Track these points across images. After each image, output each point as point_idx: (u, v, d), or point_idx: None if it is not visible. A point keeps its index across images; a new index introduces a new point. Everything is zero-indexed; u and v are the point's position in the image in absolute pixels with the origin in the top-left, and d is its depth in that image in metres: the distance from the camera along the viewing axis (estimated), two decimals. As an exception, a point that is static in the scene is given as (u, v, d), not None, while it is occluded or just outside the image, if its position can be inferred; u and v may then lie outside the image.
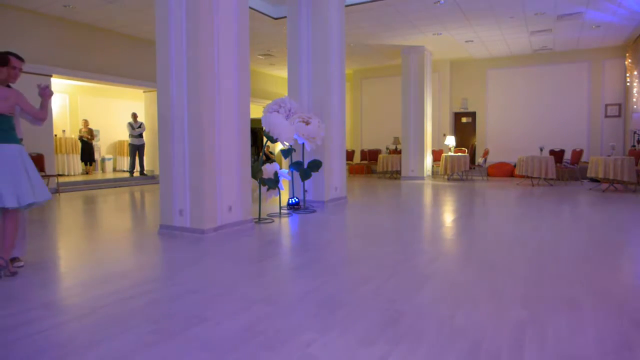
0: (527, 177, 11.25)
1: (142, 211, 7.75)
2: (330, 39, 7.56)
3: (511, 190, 9.92)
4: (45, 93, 3.58)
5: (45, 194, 3.51)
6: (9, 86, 3.60)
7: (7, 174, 3.34)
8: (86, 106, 14.19)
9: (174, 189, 5.10)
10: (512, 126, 14.32)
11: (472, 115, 15.15)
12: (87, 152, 13.39)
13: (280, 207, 6.74)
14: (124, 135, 14.23)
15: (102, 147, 15.13)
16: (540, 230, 5.29)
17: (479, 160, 13.48)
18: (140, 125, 12.70)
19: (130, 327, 2.49)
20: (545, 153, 11.57)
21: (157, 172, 12.38)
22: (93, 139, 13.61)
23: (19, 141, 3.50)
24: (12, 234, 3.45)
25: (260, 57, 13.73)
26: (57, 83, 11.64)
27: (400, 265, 3.77)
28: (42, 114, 3.62)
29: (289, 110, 6.64)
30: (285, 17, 9.22)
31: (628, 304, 2.82)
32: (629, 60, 12.30)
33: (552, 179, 11.41)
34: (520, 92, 14.19)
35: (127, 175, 13.11)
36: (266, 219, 6.21)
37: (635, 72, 11.43)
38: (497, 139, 14.56)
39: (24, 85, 9.01)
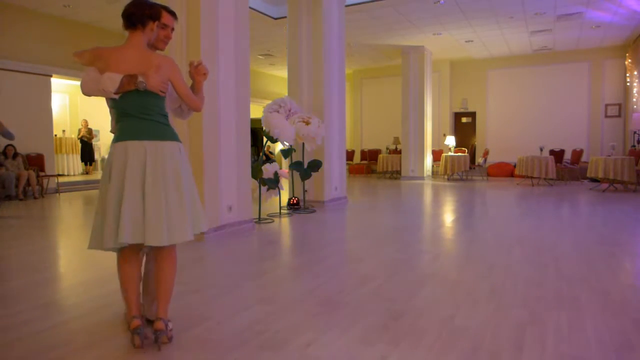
0: (527, 177, 11.24)
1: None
2: (330, 39, 7.56)
3: (511, 190, 9.91)
4: (199, 71, 2.48)
5: (201, 224, 2.36)
6: None
7: (160, 188, 2.17)
8: (86, 106, 14.16)
9: (174, 189, 5.08)
10: (512, 126, 14.31)
11: (472, 115, 15.15)
12: (87, 152, 13.40)
13: (280, 207, 6.73)
14: (123, 135, 14.19)
15: (102, 147, 15.11)
16: (540, 230, 5.29)
17: (479, 160, 13.48)
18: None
19: (130, 327, 2.49)
20: (545, 153, 11.56)
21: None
22: (93, 138, 13.60)
23: (177, 137, 2.35)
24: (169, 280, 2.35)
25: (260, 57, 13.73)
26: (57, 83, 11.63)
27: (401, 265, 3.77)
28: (199, 101, 2.46)
29: (289, 110, 6.63)
30: (285, 17, 9.21)
31: (628, 303, 2.82)
32: (629, 60, 12.30)
33: (552, 179, 11.41)
34: (521, 92, 14.18)
35: (127, 175, 13.08)
36: (266, 219, 6.21)
37: (635, 72, 11.43)
38: (497, 139, 14.56)
39: (24, 84, 9.11)
